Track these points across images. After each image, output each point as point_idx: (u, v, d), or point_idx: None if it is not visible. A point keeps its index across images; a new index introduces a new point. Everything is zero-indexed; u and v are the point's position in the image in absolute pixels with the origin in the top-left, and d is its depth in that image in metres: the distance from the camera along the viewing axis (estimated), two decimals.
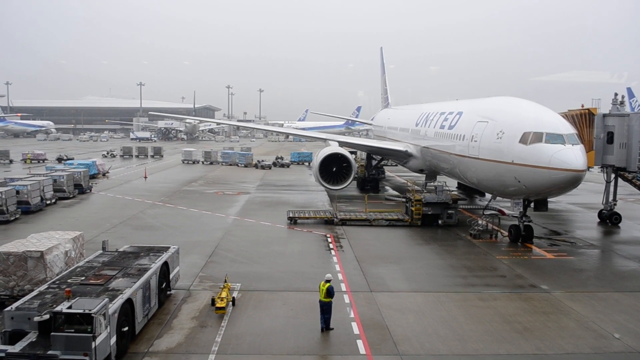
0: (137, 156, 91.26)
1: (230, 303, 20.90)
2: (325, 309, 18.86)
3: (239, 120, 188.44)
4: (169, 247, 22.83)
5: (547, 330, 19.36)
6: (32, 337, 14.95)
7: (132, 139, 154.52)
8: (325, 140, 59.05)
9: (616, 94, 38.19)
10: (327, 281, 18.97)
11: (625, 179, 38.25)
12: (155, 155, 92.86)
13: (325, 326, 18.82)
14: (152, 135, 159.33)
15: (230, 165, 78.50)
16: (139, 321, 17.88)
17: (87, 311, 14.41)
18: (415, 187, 38.66)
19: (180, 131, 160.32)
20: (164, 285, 21.00)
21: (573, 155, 27.04)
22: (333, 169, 45.78)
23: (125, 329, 16.59)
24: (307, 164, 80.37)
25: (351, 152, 51.71)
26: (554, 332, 19.13)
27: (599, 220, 40.00)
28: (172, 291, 22.25)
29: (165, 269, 21.24)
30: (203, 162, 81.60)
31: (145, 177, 61.82)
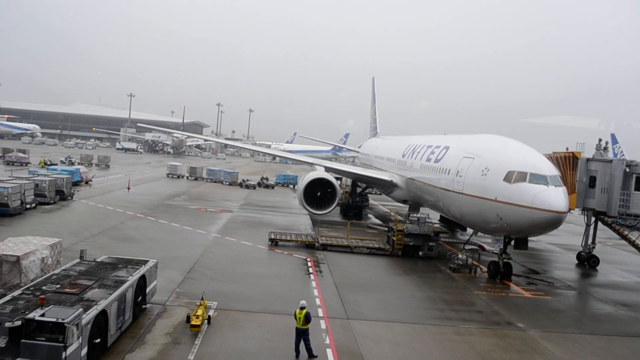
0: None
1: (206, 321, 20.70)
2: (304, 336, 18.69)
3: (226, 138, 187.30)
4: (147, 261, 22.59)
5: None
6: (1, 343, 14.59)
7: (117, 149, 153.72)
8: (311, 164, 59.24)
9: (600, 140, 38.87)
10: (302, 308, 18.82)
11: (605, 223, 38.73)
12: None
13: (308, 354, 18.54)
14: (139, 147, 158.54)
15: (215, 182, 78.23)
16: (111, 334, 17.61)
17: (60, 320, 14.17)
18: (398, 217, 38.75)
19: (167, 145, 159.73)
20: (139, 298, 20.76)
21: (555, 197, 27.41)
22: (317, 193, 45.81)
23: (97, 340, 16.33)
24: (292, 186, 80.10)
25: (337, 178, 51.82)
26: None
27: (577, 262, 40.39)
28: (148, 305, 21.98)
29: (142, 282, 21.00)
30: (188, 178, 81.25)
31: (129, 189, 61.33)
